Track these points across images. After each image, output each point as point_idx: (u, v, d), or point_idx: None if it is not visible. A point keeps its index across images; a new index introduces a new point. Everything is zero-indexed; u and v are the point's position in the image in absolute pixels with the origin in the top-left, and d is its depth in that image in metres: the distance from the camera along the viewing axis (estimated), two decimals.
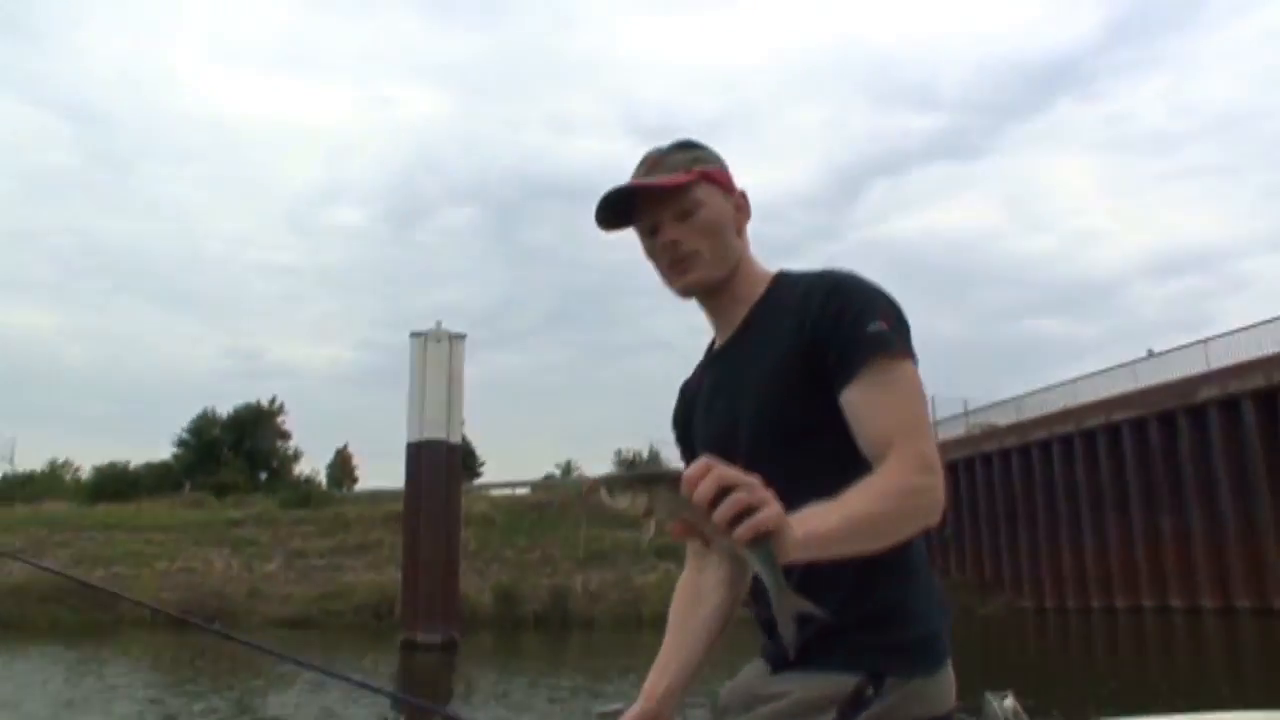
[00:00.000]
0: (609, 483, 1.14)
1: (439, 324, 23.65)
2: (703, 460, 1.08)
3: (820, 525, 1.18)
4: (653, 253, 1.60)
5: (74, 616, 29.35)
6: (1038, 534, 31.49)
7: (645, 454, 50.19)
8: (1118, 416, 29.06)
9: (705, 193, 1.56)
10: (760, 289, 1.61)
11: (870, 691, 1.37)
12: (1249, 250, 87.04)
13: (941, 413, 35.69)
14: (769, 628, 1.49)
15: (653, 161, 1.59)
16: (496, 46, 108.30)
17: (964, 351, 77.28)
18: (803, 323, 1.47)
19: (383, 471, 75.78)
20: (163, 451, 53.18)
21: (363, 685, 2.65)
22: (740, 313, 1.61)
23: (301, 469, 55.98)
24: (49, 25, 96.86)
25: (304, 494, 43.87)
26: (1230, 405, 25.74)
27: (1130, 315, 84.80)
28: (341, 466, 58.68)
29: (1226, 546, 25.30)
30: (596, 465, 52.70)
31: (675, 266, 1.57)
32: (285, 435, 55.81)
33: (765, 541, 1.08)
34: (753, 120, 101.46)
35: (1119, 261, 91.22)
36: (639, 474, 1.16)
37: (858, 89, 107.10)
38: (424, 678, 17.13)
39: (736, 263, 1.60)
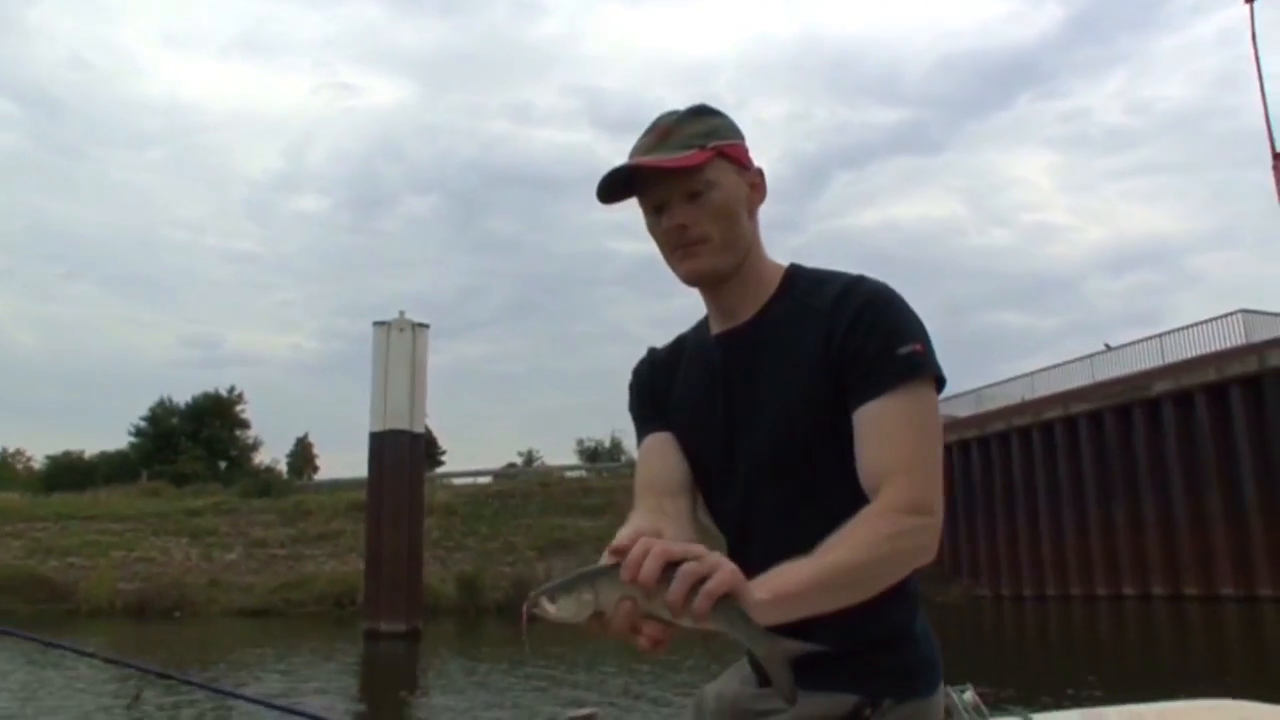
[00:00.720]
0: (549, 592, 1.02)
1: (402, 314, 23.50)
2: (640, 541, 1.02)
3: (787, 585, 1.11)
4: (656, 231, 1.45)
5: (28, 608, 29.01)
6: (995, 523, 31.96)
7: (607, 443, 50.39)
8: (1075, 409, 29.52)
9: (719, 171, 1.41)
10: (773, 282, 1.49)
11: (868, 713, 1.34)
12: (1199, 247, 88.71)
13: None
14: (759, 667, 1.40)
15: (664, 130, 1.41)
16: (459, 34, 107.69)
17: None
18: (831, 333, 1.37)
19: (343, 461, 75.23)
20: (119, 441, 52.71)
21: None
22: (748, 305, 1.48)
23: (261, 458, 55.64)
24: None
25: (264, 483, 43.56)
26: (1183, 399, 26.26)
27: (1087, 309, 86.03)
28: (302, 455, 58.31)
29: (1177, 536, 25.82)
30: (559, 455, 52.77)
31: (681, 251, 1.43)
32: (244, 424, 55.39)
33: (728, 603, 1.01)
34: None
35: (1076, 256, 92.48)
36: (576, 574, 1.04)
37: (821, 82, 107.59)
38: (388, 666, 17.14)
39: (748, 250, 1.46)
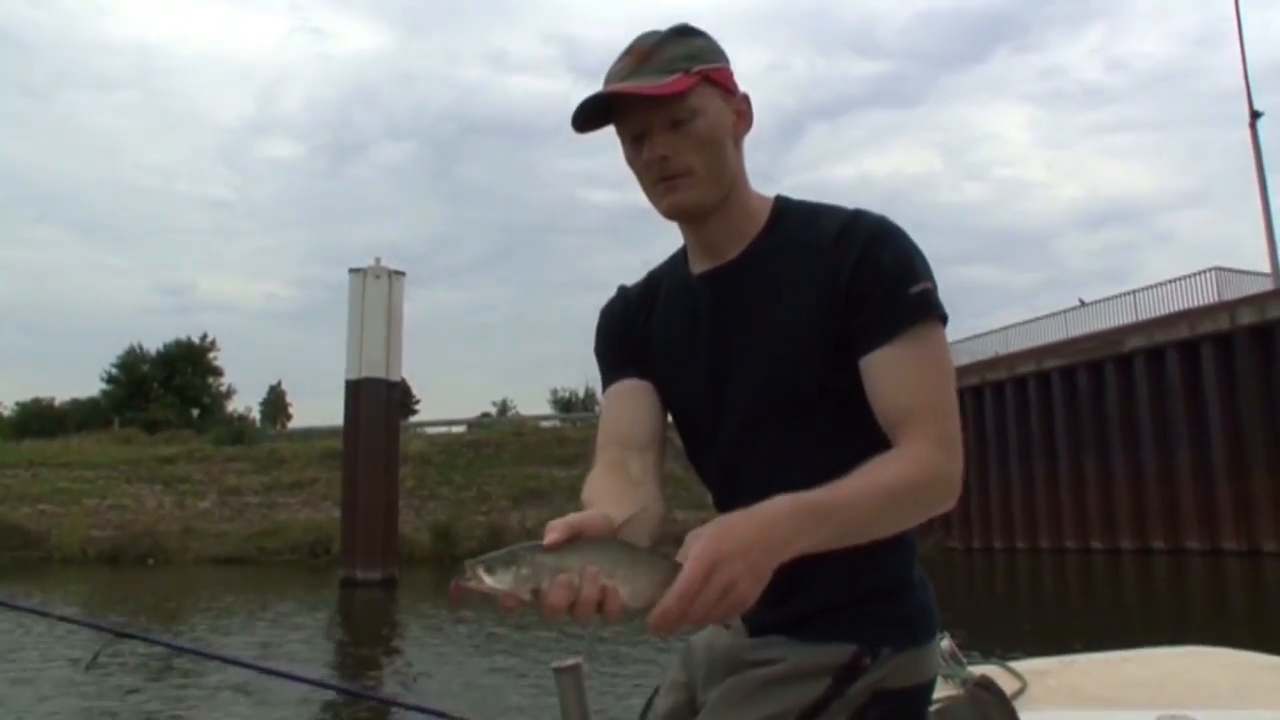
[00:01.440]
0: (486, 563, 1.00)
1: (378, 261, 23.30)
2: (697, 575, 0.96)
3: (835, 495, 1.11)
4: (635, 162, 1.34)
5: (1, 556, 28.88)
6: (968, 476, 31.49)
7: (581, 393, 50.44)
8: (1048, 364, 29.77)
9: (704, 98, 1.30)
10: (761, 216, 1.40)
11: (867, 661, 1.30)
12: (1172, 204, 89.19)
13: None
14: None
15: (643, 53, 1.30)
16: None
17: None
18: (837, 270, 1.29)
19: (317, 409, 75.09)
20: (90, 388, 52.20)
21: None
22: (734, 241, 1.39)
23: (234, 406, 55.37)
24: None
25: (237, 431, 43.37)
26: (1155, 355, 26.52)
27: (1061, 265, 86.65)
28: (275, 403, 58.11)
29: (1146, 491, 26.20)
30: (533, 404, 52.82)
31: (663, 184, 1.32)
32: (217, 372, 55.03)
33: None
34: None
35: (1051, 212, 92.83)
36: (512, 549, 1.02)
37: (800, 34, 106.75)
38: (365, 613, 17.19)
39: (733, 181, 1.36)
